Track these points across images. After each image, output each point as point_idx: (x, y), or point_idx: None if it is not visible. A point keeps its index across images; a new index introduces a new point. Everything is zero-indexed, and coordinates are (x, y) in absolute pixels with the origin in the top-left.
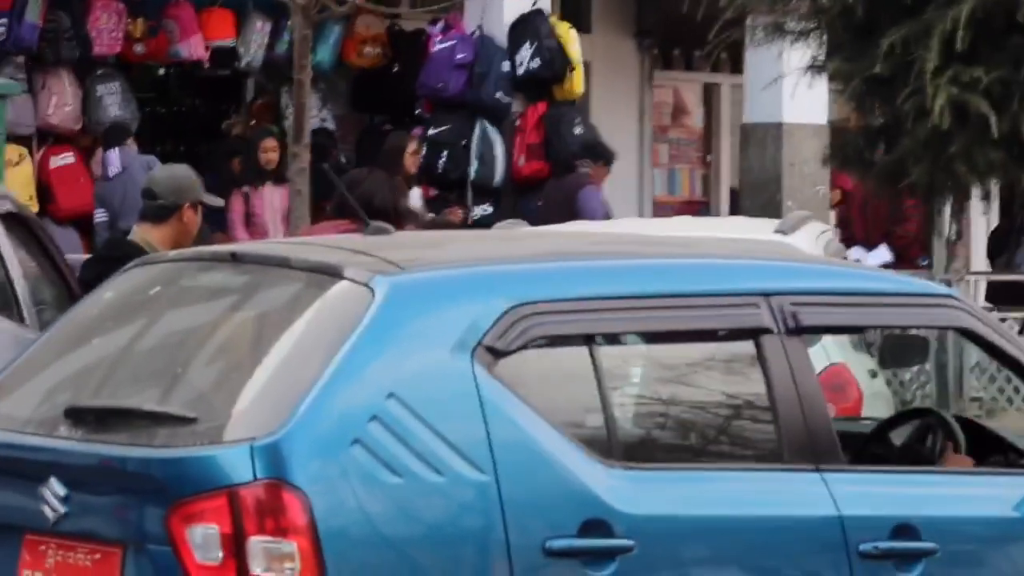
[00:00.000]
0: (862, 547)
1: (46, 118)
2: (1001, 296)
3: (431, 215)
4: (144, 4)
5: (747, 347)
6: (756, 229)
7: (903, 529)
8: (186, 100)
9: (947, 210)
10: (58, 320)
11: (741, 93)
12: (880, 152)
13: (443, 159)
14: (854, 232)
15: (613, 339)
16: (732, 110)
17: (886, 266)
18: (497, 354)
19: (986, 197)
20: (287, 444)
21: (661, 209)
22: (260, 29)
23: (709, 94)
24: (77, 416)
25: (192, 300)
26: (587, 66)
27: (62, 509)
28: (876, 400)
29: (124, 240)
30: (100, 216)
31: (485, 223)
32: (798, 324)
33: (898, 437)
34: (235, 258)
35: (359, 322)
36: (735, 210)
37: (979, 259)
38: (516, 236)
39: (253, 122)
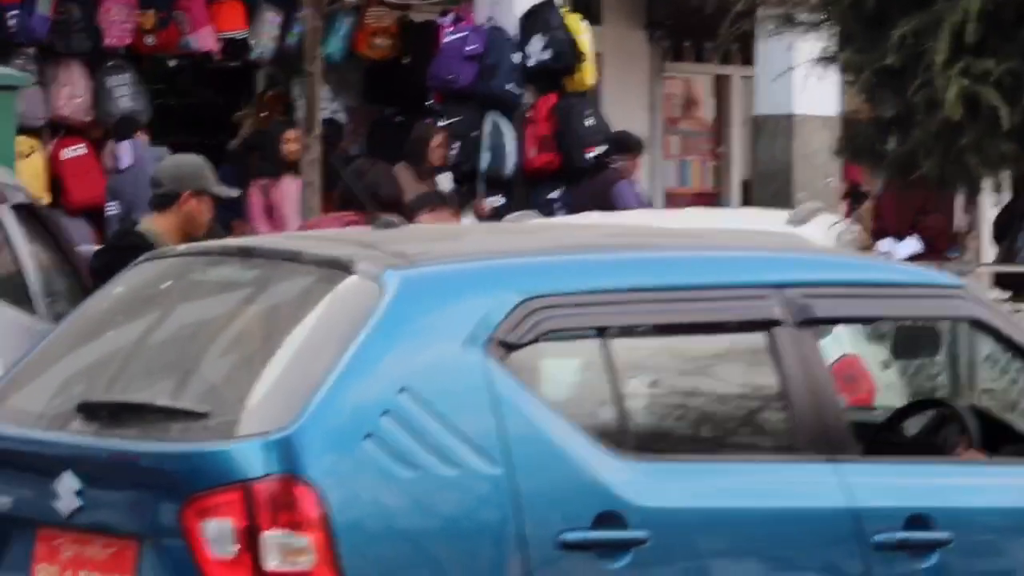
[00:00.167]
0: (876, 538)
1: (57, 110)
2: (1007, 285)
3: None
4: None
5: (759, 339)
6: (767, 220)
7: (917, 520)
8: (197, 92)
9: (958, 202)
10: (69, 315)
11: (752, 85)
12: (891, 144)
13: (454, 151)
14: (885, 224)
15: (625, 332)
16: (743, 102)
17: (915, 257)
18: (509, 347)
19: (997, 189)
20: (300, 438)
21: (672, 201)
22: (271, 21)
23: (720, 86)
24: (90, 411)
25: (203, 295)
26: (598, 58)
27: (76, 503)
28: (888, 391)
29: (132, 230)
30: (112, 209)
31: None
32: (810, 316)
33: (911, 428)
34: (245, 252)
35: (370, 316)
36: (746, 202)
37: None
38: (527, 229)
39: (264, 114)
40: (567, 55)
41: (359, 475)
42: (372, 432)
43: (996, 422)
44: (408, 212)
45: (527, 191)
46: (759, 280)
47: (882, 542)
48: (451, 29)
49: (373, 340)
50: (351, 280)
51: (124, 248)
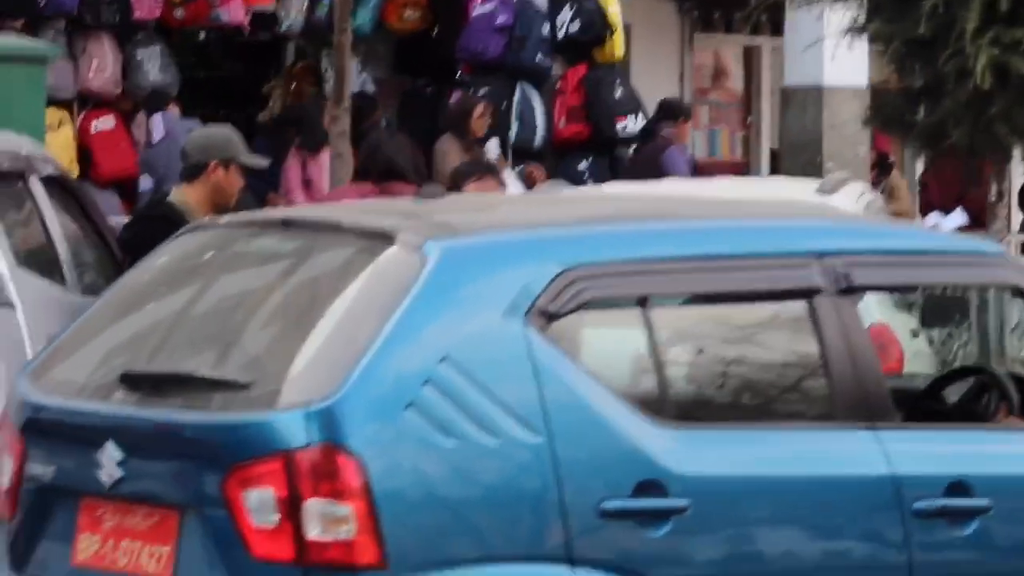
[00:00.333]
0: (916, 505)
1: (86, 82)
2: None
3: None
4: None
5: (800, 307)
6: (797, 190)
7: (957, 487)
8: (226, 65)
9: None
10: (111, 286)
11: (781, 55)
12: (921, 114)
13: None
14: (931, 197)
15: (665, 301)
16: (772, 72)
17: (962, 229)
18: (550, 317)
19: None
20: (342, 408)
21: (701, 171)
22: None
23: (749, 56)
24: (133, 381)
25: (245, 265)
26: (627, 29)
27: (119, 473)
28: (917, 359)
29: (163, 200)
30: (146, 182)
31: None
32: (850, 284)
33: (952, 395)
34: (287, 223)
35: (412, 286)
36: (775, 172)
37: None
38: (567, 199)
39: (293, 86)
40: (596, 26)
41: (400, 444)
42: (413, 401)
43: None
44: (454, 181)
45: (556, 162)
46: (800, 249)
47: (922, 509)
48: (481, 1)
49: (415, 310)
50: (393, 250)
51: (154, 218)
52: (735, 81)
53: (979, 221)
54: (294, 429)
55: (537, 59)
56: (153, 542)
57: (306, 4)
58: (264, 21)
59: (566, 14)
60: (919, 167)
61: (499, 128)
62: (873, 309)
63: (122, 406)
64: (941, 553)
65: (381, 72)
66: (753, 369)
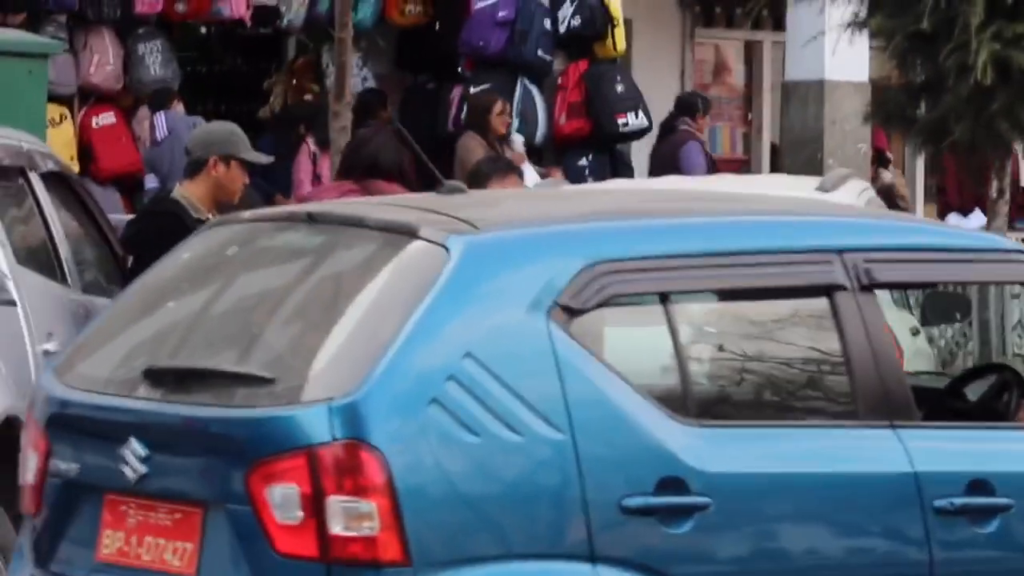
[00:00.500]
0: (937, 503)
1: (87, 77)
2: None
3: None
4: None
5: (821, 304)
6: (797, 187)
7: (978, 485)
8: (227, 59)
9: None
10: (135, 281)
11: (782, 50)
12: (922, 109)
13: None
14: (948, 199)
15: (688, 297)
16: (773, 67)
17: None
18: (573, 313)
19: None
20: (365, 404)
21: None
22: None
23: (750, 52)
24: (156, 377)
25: (268, 260)
26: (628, 24)
27: (142, 469)
28: (918, 358)
29: (166, 197)
30: (151, 182)
31: None
32: (872, 280)
33: (973, 393)
34: (311, 218)
35: (435, 282)
36: (776, 168)
37: None
38: (589, 194)
39: (295, 82)
40: (598, 21)
41: (423, 440)
42: (437, 397)
43: None
44: (478, 179)
45: (557, 157)
46: (822, 245)
47: (943, 507)
48: None
49: (438, 306)
50: (416, 245)
51: (158, 214)
52: (736, 77)
53: None
54: (317, 425)
55: (538, 54)
56: (177, 538)
57: None
58: (265, 16)
59: (567, 9)
60: (920, 163)
61: None
62: None
63: (146, 402)
64: (962, 551)
65: (382, 67)
66: (775, 366)
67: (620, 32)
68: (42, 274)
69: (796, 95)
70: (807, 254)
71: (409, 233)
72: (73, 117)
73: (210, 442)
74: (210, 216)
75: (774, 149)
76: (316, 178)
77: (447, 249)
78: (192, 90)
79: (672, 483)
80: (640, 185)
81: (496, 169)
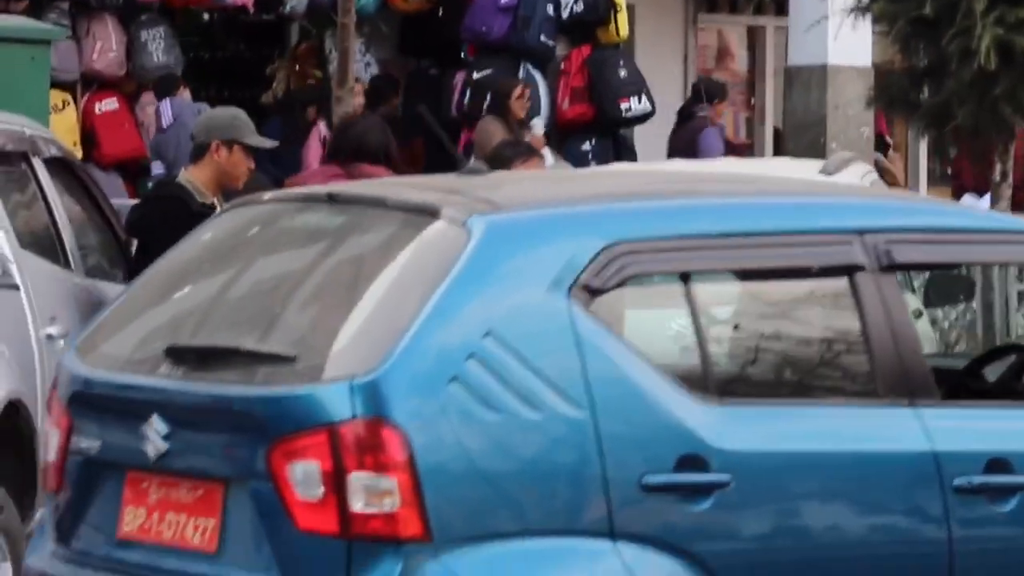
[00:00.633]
0: (956, 481)
1: (90, 64)
2: None
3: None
4: None
5: (841, 284)
6: (801, 170)
7: (997, 463)
8: (230, 45)
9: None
10: (158, 261)
11: (785, 35)
12: (925, 94)
13: (487, 103)
14: (963, 182)
15: (708, 277)
16: (776, 52)
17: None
18: (593, 292)
19: None
20: (386, 382)
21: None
22: None
23: (753, 36)
24: (178, 355)
25: (290, 240)
26: (631, 9)
27: (164, 446)
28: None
29: (171, 181)
30: (157, 168)
31: None
32: (891, 261)
33: (992, 373)
34: (332, 198)
35: (456, 261)
36: (779, 152)
37: None
38: (610, 175)
39: (297, 67)
40: (600, 6)
41: (444, 418)
42: (457, 375)
43: None
44: (501, 163)
45: (560, 143)
46: (842, 226)
47: (962, 485)
48: None
49: (458, 285)
50: (437, 225)
51: (163, 199)
52: (739, 62)
53: (1016, 202)
54: (339, 402)
55: (541, 39)
56: (198, 515)
57: None
58: (268, 2)
59: None
60: (923, 147)
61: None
62: None
63: (168, 380)
64: (981, 529)
65: (385, 53)
66: (794, 345)
67: (623, 17)
68: (45, 258)
69: (799, 80)
70: (827, 235)
71: (430, 213)
72: (76, 103)
73: (232, 419)
74: (215, 201)
75: (777, 133)
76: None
77: (468, 229)
78: (195, 76)
79: (692, 461)
80: (647, 168)
81: (518, 152)
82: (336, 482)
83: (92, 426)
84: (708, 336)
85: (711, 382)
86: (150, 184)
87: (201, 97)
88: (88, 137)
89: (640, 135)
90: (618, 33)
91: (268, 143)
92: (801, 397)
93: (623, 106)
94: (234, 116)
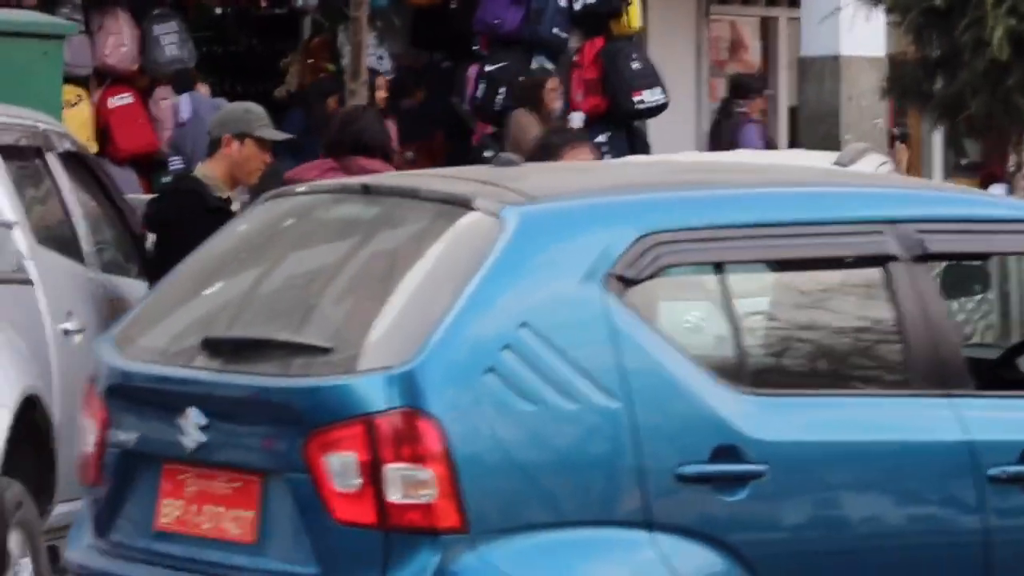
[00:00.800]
0: (991, 471)
1: (103, 58)
2: None
3: None
4: None
5: (875, 274)
6: (815, 162)
7: None
8: (243, 40)
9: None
10: (193, 253)
11: (798, 26)
12: (938, 84)
13: (500, 95)
14: (993, 171)
15: (742, 267)
16: (789, 44)
17: None
18: (628, 282)
19: None
20: (422, 373)
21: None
22: None
23: (766, 28)
24: (214, 347)
25: (325, 232)
26: (644, 0)
27: (201, 438)
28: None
29: (188, 175)
30: (175, 163)
31: None
32: (925, 251)
33: None
34: (366, 190)
35: (490, 252)
36: (793, 144)
37: None
38: (642, 165)
39: (310, 61)
40: None
41: (480, 409)
42: (493, 366)
43: None
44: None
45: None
46: (874, 216)
47: (996, 475)
48: None
49: (493, 276)
50: (471, 216)
51: (180, 192)
52: (752, 53)
53: None
54: (375, 393)
55: (554, 31)
56: (236, 506)
57: None
58: None
59: None
60: (936, 138)
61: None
62: None
63: (204, 371)
64: (1016, 519)
65: (398, 46)
66: (828, 335)
67: (635, 9)
68: (60, 254)
69: (812, 71)
70: (860, 224)
71: (464, 204)
72: (90, 98)
73: (268, 411)
74: (231, 195)
75: (791, 125)
76: None
77: (502, 220)
78: (208, 70)
79: (727, 451)
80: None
81: (567, 140)
82: (373, 473)
83: (129, 419)
84: (742, 326)
85: (745, 372)
86: (165, 179)
87: (214, 91)
88: (102, 132)
89: (654, 127)
90: (631, 25)
91: (279, 135)
92: (835, 387)
93: (637, 98)
94: (246, 110)
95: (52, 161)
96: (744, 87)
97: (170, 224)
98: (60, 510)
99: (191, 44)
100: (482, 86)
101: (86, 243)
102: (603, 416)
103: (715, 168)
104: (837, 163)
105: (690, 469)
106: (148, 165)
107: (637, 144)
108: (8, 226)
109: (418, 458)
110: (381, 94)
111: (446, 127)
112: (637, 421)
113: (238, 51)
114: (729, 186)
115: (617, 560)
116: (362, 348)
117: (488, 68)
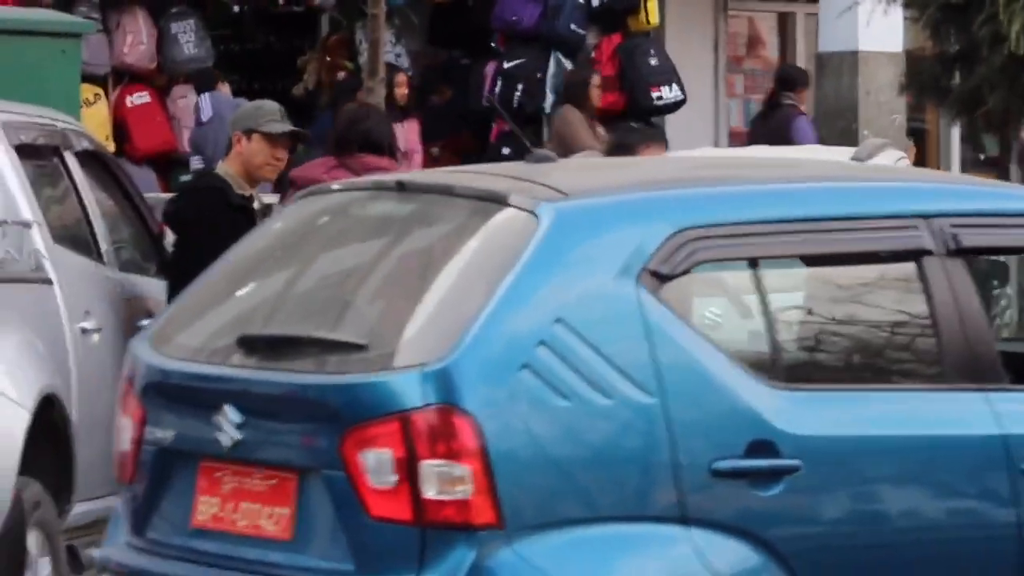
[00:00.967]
0: None
1: (121, 57)
2: None
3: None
4: None
5: (909, 269)
6: (832, 157)
7: None
8: (260, 37)
9: None
10: (229, 251)
11: (816, 22)
12: (956, 79)
13: (518, 92)
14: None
15: (776, 262)
16: (807, 39)
17: None
18: (662, 278)
19: None
20: (457, 369)
21: (736, 140)
22: None
23: (784, 23)
24: (250, 344)
25: (360, 229)
26: None
27: (237, 436)
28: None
29: (209, 172)
30: (196, 163)
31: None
32: (959, 245)
33: None
34: (401, 187)
35: (525, 248)
36: None
37: None
38: (676, 161)
39: (328, 59)
40: None
41: (515, 405)
42: (528, 362)
43: None
44: (626, 149)
45: None
46: (908, 210)
47: None
48: None
49: (528, 272)
50: (506, 213)
51: (202, 190)
52: (770, 49)
53: None
54: (410, 390)
55: (571, 28)
56: (273, 503)
57: None
58: None
59: None
60: (955, 133)
61: (533, 98)
62: None
63: (240, 369)
64: None
65: (416, 43)
66: (863, 330)
67: (653, 5)
68: (78, 253)
69: (830, 66)
70: (894, 219)
71: (499, 201)
72: (107, 97)
73: (304, 408)
74: (253, 193)
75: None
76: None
77: (537, 216)
78: (226, 68)
79: (762, 446)
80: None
81: (644, 139)
82: (409, 470)
83: (166, 416)
84: (776, 321)
85: (780, 367)
86: (184, 178)
87: (233, 90)
88: (120, 131)
89: (672, 124)
90: (648, 21)
91: (285, 127)
92: (870, 382)
93: (655, 95)
94: (256, 107)
95: (70, 160)
96: (791, 79)
97: (191, 222)
98: (78, 510)
99: (209, 42)
100: (500, 83)
101: (104, 242)
102: (638, 411)
103: (749, 164)
104: (854, 158)
105: (725, 464)
106: (166, 164)
107: None
108: (26, 225)
109: (454, 454)
110: (401, 91)
111: (471, 125)
112: (672, 416)
113: (256, 49)
114: (763, 181)
115: (652, 555)
116: (398, 345)
117: (506, 65)
